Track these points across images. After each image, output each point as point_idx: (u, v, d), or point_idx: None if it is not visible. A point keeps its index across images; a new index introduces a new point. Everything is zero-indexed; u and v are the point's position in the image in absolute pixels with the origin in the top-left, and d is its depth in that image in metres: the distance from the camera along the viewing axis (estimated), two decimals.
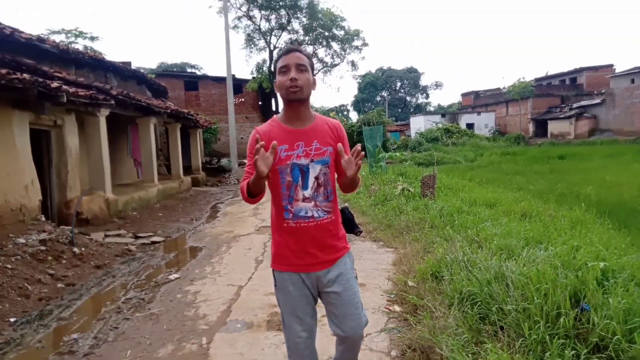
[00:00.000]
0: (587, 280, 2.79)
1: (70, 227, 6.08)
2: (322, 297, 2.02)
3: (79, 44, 18.67)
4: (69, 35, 18.81)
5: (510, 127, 41.48)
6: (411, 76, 66.03)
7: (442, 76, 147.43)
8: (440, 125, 36.23)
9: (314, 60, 2.11)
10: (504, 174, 12.89)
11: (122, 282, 4.82)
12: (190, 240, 6.97)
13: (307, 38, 26.74)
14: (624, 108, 31.86)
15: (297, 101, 1.87)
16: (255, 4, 25.30)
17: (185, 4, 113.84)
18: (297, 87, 1.82)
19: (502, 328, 2.67)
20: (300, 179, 1.88)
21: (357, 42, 27.66)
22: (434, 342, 2.67)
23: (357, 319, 1.99)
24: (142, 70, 16.00)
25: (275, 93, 26.41)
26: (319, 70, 27.62)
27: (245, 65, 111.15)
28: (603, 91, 35.03)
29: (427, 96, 68.43)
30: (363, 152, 1.80)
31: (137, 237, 6.95)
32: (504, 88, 44.57)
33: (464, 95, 56.09)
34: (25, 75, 5.76)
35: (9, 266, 4.42)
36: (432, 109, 64.08)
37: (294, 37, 26.82)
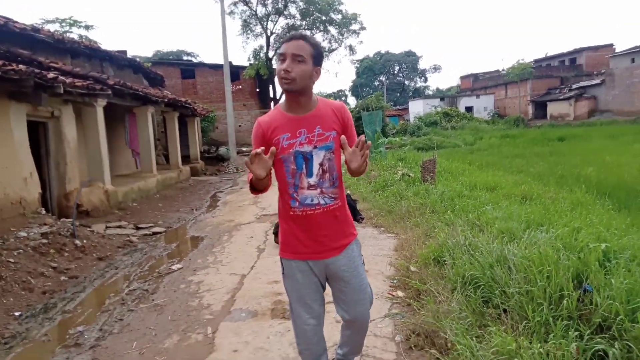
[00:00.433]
0: (589, 262, 2.80)
1: (71, 220, 6.08)
2: (330, 284, 2.04)
3: (74, 33, 18.35)
4: (64, 24, 18.49)
5: (509, 110, 41.25)
6: (409, 60, 65.38)
7: (441, 59, 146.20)
8: (439, 109, 36.07)
9: None
10: (504, 157, 12.85)
11: (125, 273, 4.84)
12: (192, 230, 6.98)
13: (304, 23, 26.40)
14: (624, 88, 31.63)
15: (292, 92, 1.82)
16: None
17: None
18: (288, 79, 1.77)
19: (505, 311, 2.69)
20: (304, 166, 1.87)
21: (354, 26, 27.36)
22: (437, 326, 2.69)
23: (365, 304, 2.04)
24: (138, 59, 15.80)
25: (272, 79, 26.18)
26: None
27: (242, 51, 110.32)
28: (603, 71, 34.74)
29: (426, 80, 67.88)
30: (370, 142, 1.77)
31: (138, 228, 6.96)
32: (503, 70, 44.22)
33: (462, 78, 55.72)
34: (21, 66, 5.69)
35: (11, 260, 4.42)
36: (430, 92, 63.61)
37: (290, 22, 26.51)
